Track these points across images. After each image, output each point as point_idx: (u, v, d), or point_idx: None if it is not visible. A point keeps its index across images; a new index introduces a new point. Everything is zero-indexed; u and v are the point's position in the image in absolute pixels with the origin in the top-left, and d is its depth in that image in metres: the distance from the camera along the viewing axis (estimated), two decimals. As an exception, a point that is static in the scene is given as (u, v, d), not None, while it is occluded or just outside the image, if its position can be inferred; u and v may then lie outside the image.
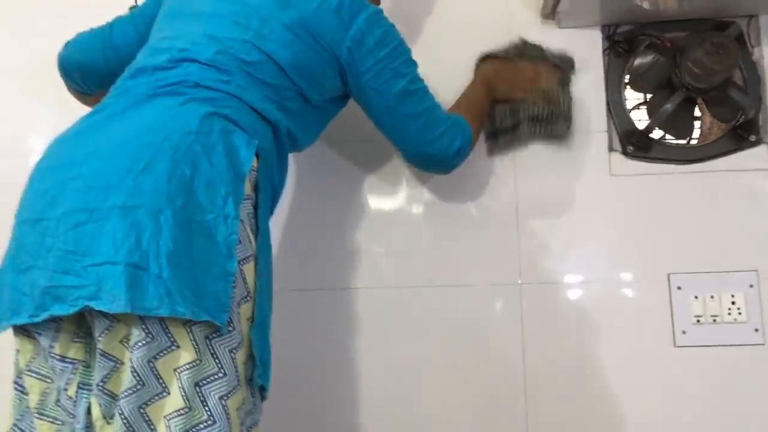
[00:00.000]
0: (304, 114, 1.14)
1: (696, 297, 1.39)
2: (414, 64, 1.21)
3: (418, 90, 1.20)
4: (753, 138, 1.41)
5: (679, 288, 1.40)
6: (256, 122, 1.04)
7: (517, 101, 1.40)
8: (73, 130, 1.02)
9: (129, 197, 0.88)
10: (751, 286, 1.38)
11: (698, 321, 1.38)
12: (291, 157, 1.22)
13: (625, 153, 1.44)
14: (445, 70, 1.45)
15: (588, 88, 1.47)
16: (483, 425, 1.40)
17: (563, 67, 1.43)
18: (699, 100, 1.43)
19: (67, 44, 1.30)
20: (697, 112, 1.46)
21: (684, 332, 1.39)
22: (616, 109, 1.46)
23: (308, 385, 1.43)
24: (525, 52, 1.42)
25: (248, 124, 1.02)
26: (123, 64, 1.12)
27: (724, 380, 1.37)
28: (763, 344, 1.37)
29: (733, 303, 1.38)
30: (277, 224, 1.42)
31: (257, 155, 1.01)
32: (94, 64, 1.27)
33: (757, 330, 1.37)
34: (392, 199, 1.48)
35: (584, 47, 1.48)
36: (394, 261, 1.46)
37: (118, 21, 1.29)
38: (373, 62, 1.14)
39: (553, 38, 1.48)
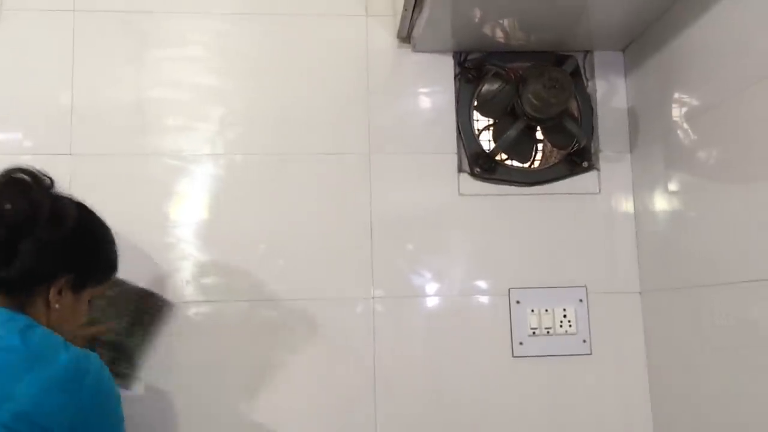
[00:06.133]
0: None
1: (532, 310, 1.50)
2: None
3: None
4: (585, 164, 1.53)
5: (518, 302, 1.50)
6: None
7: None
8: None
9: None
10: (581, 300, 1.50)
11: (534, 333, 1.49)
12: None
13: (472, 174, 1.52)
14: (303, 91, 1.50)
15: (440, 111, 1.54)
16: (337, 424, 1.44)
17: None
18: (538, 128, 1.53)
19: None
20: (540, 136, 1.57)
21: (521, 343, 1.49)
22: (465, 132, 1.53)
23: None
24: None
25: None
26: None
27: (556, 387, 1.48)
28: (590, 354, 1.49)
29: (564, 316, 1.50)
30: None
31: None
32: None
33: (585, 341, 1.49)
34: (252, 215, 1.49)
35: (437, 71, 1.55)
36: (254, 276, 1.47)
37: None
38: None
39: (407, 61, 1.54)
